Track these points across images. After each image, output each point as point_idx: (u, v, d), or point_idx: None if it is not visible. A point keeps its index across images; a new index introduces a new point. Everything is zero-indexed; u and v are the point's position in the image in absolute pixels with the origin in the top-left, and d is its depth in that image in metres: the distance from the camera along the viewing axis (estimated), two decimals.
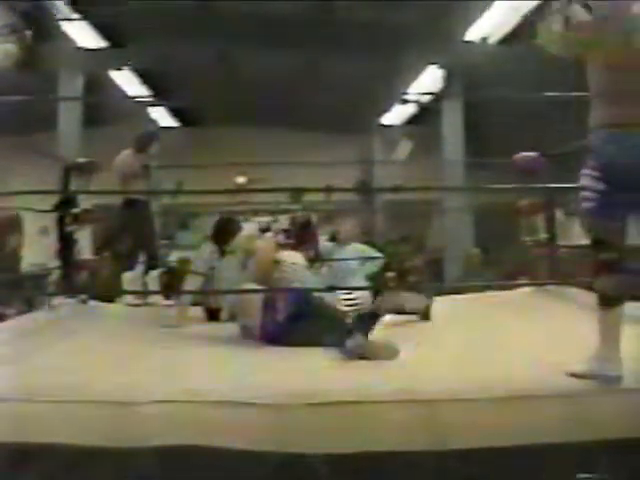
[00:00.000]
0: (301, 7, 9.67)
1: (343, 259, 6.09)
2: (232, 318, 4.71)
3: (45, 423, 2.68)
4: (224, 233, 5.33)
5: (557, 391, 2.78)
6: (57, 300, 4.96)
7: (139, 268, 6.35)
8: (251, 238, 5.09)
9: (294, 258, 4.79)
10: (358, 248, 6.52)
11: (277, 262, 4.61)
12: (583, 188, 2.94)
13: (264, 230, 11.27)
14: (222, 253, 5.26)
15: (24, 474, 2.62)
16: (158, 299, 5.96)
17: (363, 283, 5.93)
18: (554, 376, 2.90)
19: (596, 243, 2.94)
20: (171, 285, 6.94)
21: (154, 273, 6.42)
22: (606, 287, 2.89)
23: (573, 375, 2.88)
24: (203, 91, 13.14)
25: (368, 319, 3.94)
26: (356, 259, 6.18)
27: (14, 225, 5.47)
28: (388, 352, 3.56)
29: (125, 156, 6.33)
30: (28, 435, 2.64)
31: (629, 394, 2.78)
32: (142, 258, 6.38)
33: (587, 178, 2.94)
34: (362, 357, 3.54)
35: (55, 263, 5.49)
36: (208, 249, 5.36)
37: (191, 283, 5.27)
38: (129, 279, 6.25)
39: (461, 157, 12.36)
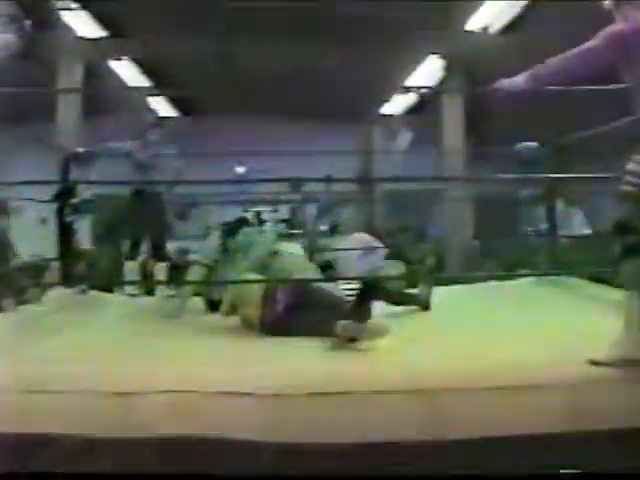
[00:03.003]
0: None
1: (344, 249, 6.10)
2: (232, 311, 4.69)
3: (45, 414, 2.68)
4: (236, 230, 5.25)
5: (561, 380, 2.78)
6: (56, 290, 4.95)
7: (140, 258, 6.34)
8: (250, 234, 5.04)
9: (293, 249, 4.79)
10: (359, 238, 6.53)
11: (276, 253, 4.61)
12: (628, 172, 2.95)
13: (261, 221, 11.27)
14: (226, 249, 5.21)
15: (24, 465, 2.62)
16: (163, 290, 5.93)
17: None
18: (557, 365, 2.90)
19: (623, 228, 2.92)
20: (172, 276, 6.93)
21: (161, 264, 6.41)
22: (632, 270, 2.89)
23: (595, 363, 2.86)
24: (203, 81, 13.12)
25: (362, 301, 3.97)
26: (357, 249, 6.19)
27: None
28: (377, 331, 3.59)
29: (123, 143, 6.28)
30: (28, 426, 2.64)
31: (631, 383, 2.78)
32: (143, 248, 6.37)
33: (635, 164, 2.95)
34: (352, 339, 3.56)
35: (54, 253, 5.48)
36: (214, 241, 5.33)
37: (194, 274, 5.26)
38: (130, 269, 6.24)
39: (461, 147, 12.35)
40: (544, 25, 9.01)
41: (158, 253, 6.37)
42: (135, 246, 6.27)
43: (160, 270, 6.39)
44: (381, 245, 6.43)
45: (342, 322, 3.62)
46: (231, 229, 5.19)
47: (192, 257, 6.35)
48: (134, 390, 2.74)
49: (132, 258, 6.23)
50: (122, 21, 10.42)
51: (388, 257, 6.41)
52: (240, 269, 4.65)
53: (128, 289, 6.04)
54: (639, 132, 2.99)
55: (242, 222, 5.31)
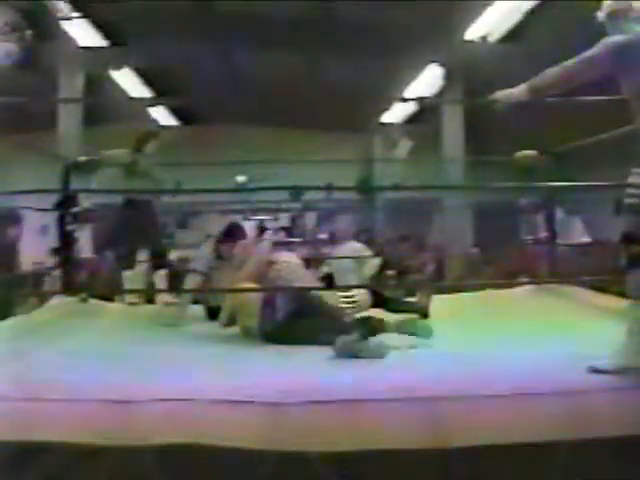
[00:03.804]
0: (301, 7, 9.66)
1: (340, 257, 6.13)
2: (232, 322, 4.68)
3: (45, 422, 2.68)
4: (229, 237, 5.24)
5: (562, 388, 2.78)
6: (57, 298, 4.96)
7: (139, 267, 6.33)
8: (247, 247, 5.05)
9: (289, 257, 4.80)
10: (354, 247, 6.54)
11: (272, 262, 4.61)
12: (631, 185, 2.99)
13: (262, 229, 11.29)
14: (221, 256, 5.20)
15: (24, 473, 2.62)
16: (163, 298, 5.92)
17: (360, 281, 5.96)
18: (555, 373, 2.91)
19: (629, 239, 2.95)
20: (172, 284, 6.94)
21: (161, 272, 6.41)
22: (638, 280, 2.90)
23: (596, 371, 2.87)
24: (203, 90, 13.15)
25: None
26: (352, 258, 6.21)
27: (13, 218, 5.52)
28: (376, 351, 3.58)
29: (118, 153, 6.20)
30: (28, 434, 2.64)
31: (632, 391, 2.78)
32: (142, 257, 6.36)
33: (636, 176, 2.99)
34: (354, 356, 3.55)
35: (55, 262, 5.50)
36: (208, 249, 5.33)
37: (190, 282, 5.27)
38: (129, 278, 6.23)
39: (461, 155, 12.37)
40: (543, 34, 9.03)
41: (156, 262, 6.37)
42: (131, 255, 6.26)
43: (161, 278, 6.40)
44: (373, 254, 6.44)
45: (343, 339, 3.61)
46: (222, 236, 5.21)
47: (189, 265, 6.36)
48: (133, 398, 2.75)
49: (129, 267, 6.22)
50: (123, 30, 10.45)
51: (381, 266, 6.41)
52: (237, 278, 4.65)
53: (128, 297, 6.05)
54: (638, 143, 3.01)
55: (231, 228, 5.32)
